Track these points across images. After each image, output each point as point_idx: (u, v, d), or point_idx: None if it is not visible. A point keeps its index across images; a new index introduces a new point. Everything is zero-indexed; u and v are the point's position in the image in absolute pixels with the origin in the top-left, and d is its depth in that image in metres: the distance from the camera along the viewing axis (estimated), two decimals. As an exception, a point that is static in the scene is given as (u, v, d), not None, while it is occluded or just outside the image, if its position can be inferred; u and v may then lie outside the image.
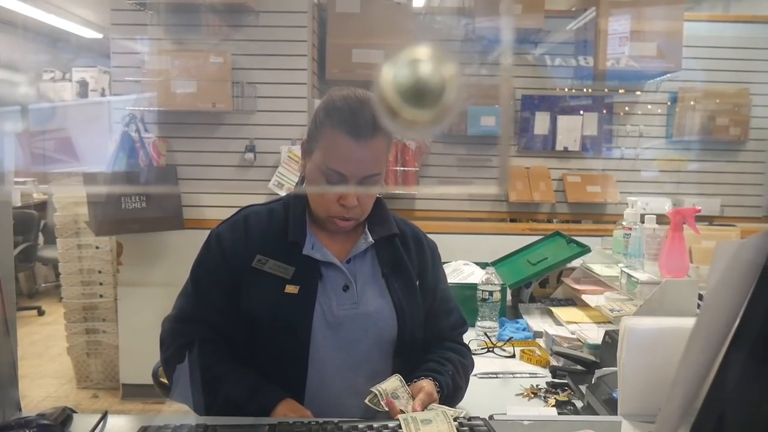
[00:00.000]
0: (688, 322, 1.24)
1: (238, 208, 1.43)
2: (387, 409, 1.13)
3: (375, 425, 1.04)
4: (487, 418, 1.13)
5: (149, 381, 2.19)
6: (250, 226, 1.34)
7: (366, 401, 1.19)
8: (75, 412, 1.09)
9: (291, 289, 1.27)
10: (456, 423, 1.05)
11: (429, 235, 1.52)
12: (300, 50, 3.44)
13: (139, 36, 3.44)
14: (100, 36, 5.71)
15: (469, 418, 1.07)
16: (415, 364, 1.34)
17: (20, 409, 1.14)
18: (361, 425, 1.04)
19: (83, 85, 5.40)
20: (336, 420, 1.05)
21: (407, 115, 0.32)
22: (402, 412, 1.12)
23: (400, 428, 1.03)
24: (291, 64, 3.44)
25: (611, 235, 2.46)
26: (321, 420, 1.06)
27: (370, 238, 1.35)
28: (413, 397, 1.19)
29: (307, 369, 1.27)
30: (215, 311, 1.30)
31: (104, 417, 1.09)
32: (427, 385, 1.24)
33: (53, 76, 5.21)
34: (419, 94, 0.32)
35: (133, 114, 3.26)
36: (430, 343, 1.41)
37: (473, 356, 1.54)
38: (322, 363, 1.28)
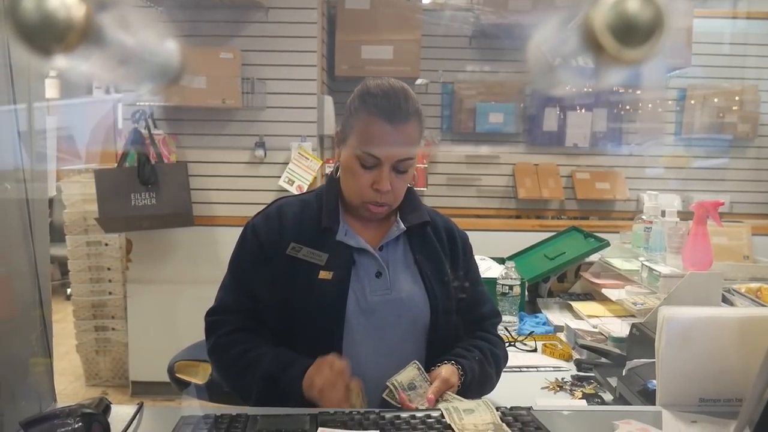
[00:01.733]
0: (727, 312, 1.24)
1: (271, 201, 1.43)
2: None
3: (418, 415, 1.03)
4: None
5: (159, 378, 2.17)
6: (284, 215, 1.35)
7: (383, 396, 1.18)
8: (111, 402, 1.08)
9: (324, 275, 1.28)
10: (499, 413, 1.04)
11: None
12: (309, 46, 3.43)
13: (147, 32, 3.42)
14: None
15: (511, 408, 1.06)
16: (447, 352, 1.34)
17: (55, 400, 1.13)
18: (403, 414, 1.03)
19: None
20: (377, 410, 1.04)
21: (613, 51, 0.31)
22: (417, 408, 1.11)
23: (443, 418, 1.02)
24: (300, 61, 3.42)
25: (619, 232, 2.46)
26: (362, 410, 1.04)
27: (402, 226, 1.36)
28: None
29: (341, 355, 1.27)
30: (254, 301, 1.33)
31: (141, 407, 1.08)
32: (445, 371, 1.23)
33: (58, 73, 5.18)
34: (629, 31, 0.31)
35: (142, 110, 3.24)
36: (462, 333, 1.41)
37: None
38: (356, 349, 1.29)
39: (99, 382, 3.65)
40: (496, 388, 1.42)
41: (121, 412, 1.07)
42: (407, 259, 1.36)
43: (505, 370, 1.74)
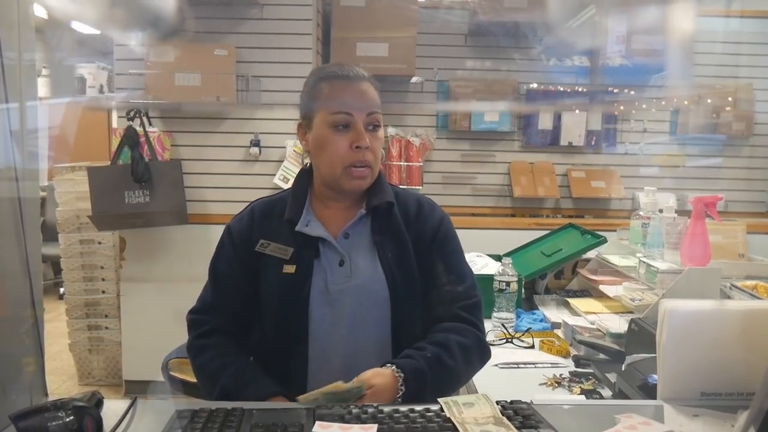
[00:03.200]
0: (730, 305, 1.23)
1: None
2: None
3: (417, 408, 1.01)
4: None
5: (152, 377, 2.15)
6: (257, 215, 1.38)
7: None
8: (103, 397, 1.05)
9: (288, 269, 1.30)
10: (499, 406, 1.02)
11: None
12: (304, 43, 3.41)
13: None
14: (97, 32, 5.65)
15: (512, 402, 1.05)
16: (416, 337, 1.30)
17: (47, 395, 1.11)
18: (402, 408, 1.01)
19: (81, 81, 5.34)
20: (376, 404, 1.03)
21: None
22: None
23: (443, 411, 1.00)
24: (295, 58, 3.40)
25: (616, 230, 2.45)
26: (361, 404, 1.03)
27: (363, 210, 1.35)
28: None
29: (308, 348, 1.28)
30: (230, 301, 1.35)
31: (134, 402, 1.06)
32: (370, 375, 1.16)
33: (52, 72, 5.15)
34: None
35: (137, 108, 3.21)
36: (433, 318, 1.33)
37: (492, 347, 1.44)
38: (323, 340, 1.29)
39: (92, 381, 3.62)
40: (494, 384, 1.39)
41: (114, 407, 1.04)
42: (370, 242, 1.34)
43: (502, 366, 1.73)
